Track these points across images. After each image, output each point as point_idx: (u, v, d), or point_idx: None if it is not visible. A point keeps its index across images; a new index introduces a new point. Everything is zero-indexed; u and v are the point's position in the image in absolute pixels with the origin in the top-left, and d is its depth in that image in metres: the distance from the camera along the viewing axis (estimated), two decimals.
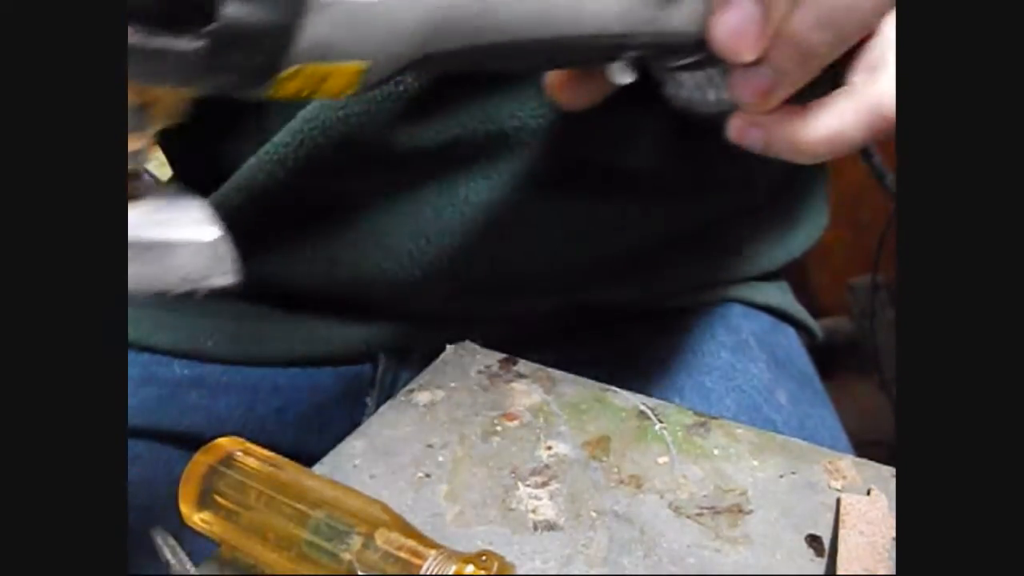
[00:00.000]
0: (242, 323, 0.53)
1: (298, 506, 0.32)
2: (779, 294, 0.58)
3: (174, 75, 0.23)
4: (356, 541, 0.30)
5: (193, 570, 0.33)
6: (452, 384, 0.43)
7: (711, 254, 0.53)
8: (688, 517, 0.35)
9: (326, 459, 0.38)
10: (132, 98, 0.26)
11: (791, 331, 0.59)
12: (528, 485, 0.37)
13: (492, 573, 0.29)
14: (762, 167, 0.54)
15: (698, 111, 0.36)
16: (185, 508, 0.34)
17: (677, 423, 0.40)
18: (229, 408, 0.52)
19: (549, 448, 0.39)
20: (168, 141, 0.54)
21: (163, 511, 0.48)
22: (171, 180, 0.60)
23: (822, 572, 0.33)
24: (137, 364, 0.54)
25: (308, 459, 0.50)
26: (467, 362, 0.44)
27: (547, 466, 0.38)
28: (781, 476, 0.37)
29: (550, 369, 0.44)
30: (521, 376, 0.43)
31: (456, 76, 0.44)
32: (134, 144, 0.28)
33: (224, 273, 0.29)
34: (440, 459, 0.38)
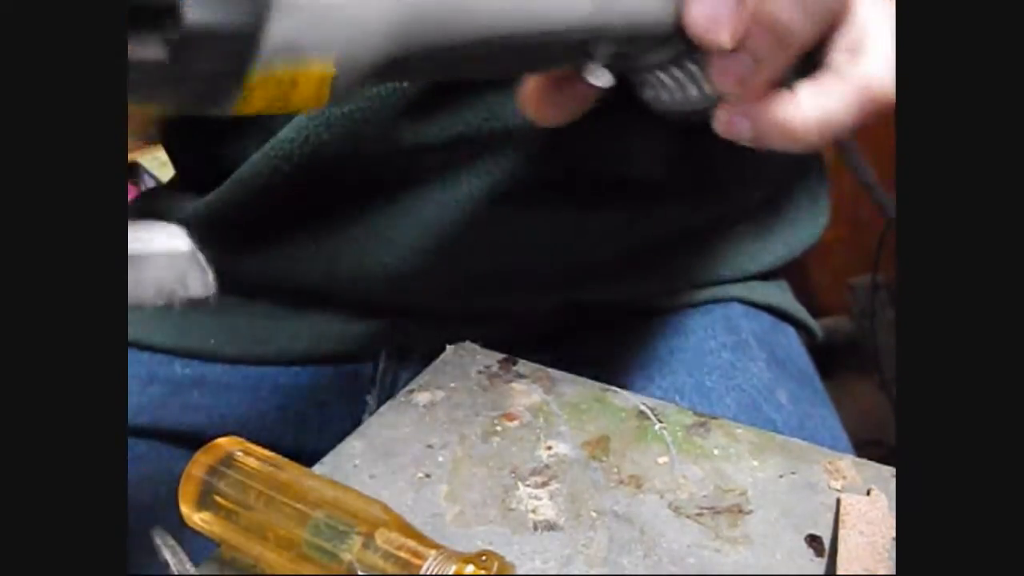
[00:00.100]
0: (243, 322, 0.53)
1: (298, 506, 0.32)
2: (779, 293, 0.58)
3: (138, 88, 0.23)
4: (356, 541, 0.30)
5: (193, 570, 0.33)
6: (452, 384, 0.43)
7: (711, 253, 0.53)
8: (688, 517, 0.35)
9: (326, 459, 0.38)
10: None
11: (791, 330, 0.59)
12: (528, 485, 0.37)
13: (492, 573, 0.29)
14: (762, 167, 0.54)
15: (679, 111, 0.35)
16: (185, 508, 0.34)
17: (677, 423, 0.40)
18: (230, 407, 0.52)
19: (549, 448, 0.39)
20: (170, 139, 0.54)
21: (163, 511, 0.48)
22: (173, 179, 0.60)
23: (822, 572, 0.33)
24: (138, 363, 0.54)
25: (309, 458, 0.50)
26: (467, 362, 0.44)
27: (547, 466, 0.38)
28: (781, 476, 0.37)
29: (550, 369, 0.44)
30: (521, 376, 0.43)
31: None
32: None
33: (199, 284, 0.28)
34: (440, 459, 0.38)
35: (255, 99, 0.23)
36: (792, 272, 0.62)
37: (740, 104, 0.32)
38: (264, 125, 0.47)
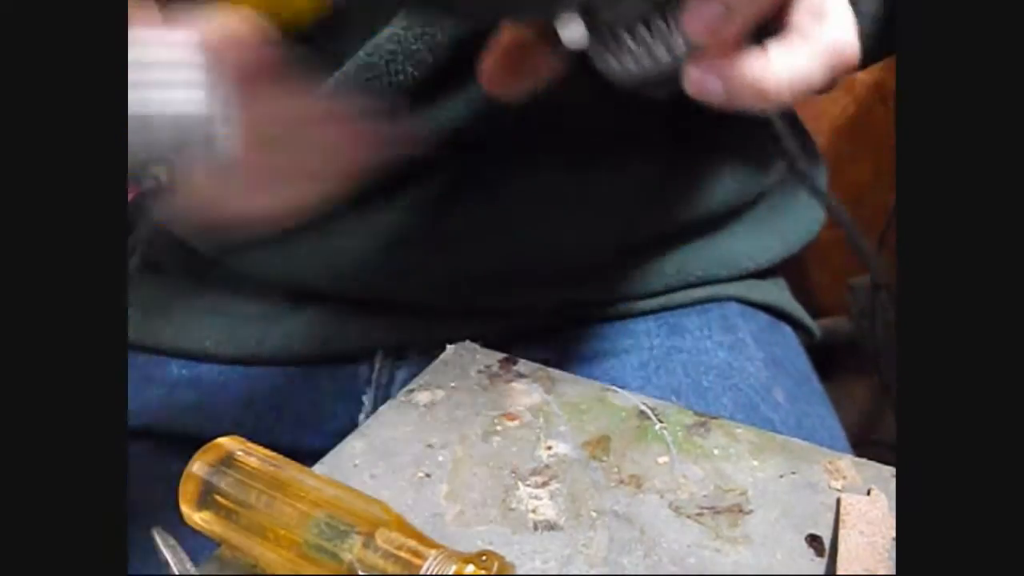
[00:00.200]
0: (238, 323, 0.53)
1: (299, 506, 0.32)
2: (776, 292, 0.58)
3: None
4: (356, 541, 0.30)
5: (193, 570, 0.33)
6: (452, 384, 0.43)
7: (707, 250, 0.53)
8: (688, 517, 0.35)
9: (326, 459, 0.38)
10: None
11: (788, 330, 0.59)
12: (528, 485, 0.37)
13: (492, 573, 0.29)
14: (758, 159, 0.54)
15: (641, 79, 0.35)
16: (186, 508, 0.34)
17: (677, 423, 0.40)
18: (227, 407, 0.52)
19: (549, 448, 0.39)
20: None
21: (159, 512, 0.48)
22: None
23: (822, 572, 0.33)
24: (135, 365, 0.54)
25: (305, 458, 0.50)
26: (467, 362, 0.44)
27: (547, 466, 0.38)
28: (781, 476, 0.37)
29: (550, 369, 0.44)
30: (521, 376, 0.43)
31: (446, 69, 0.45)
32: None
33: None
34: (440, 459, 0.38)
35: None
36: (791, 272, 0.62)
37: (711, 61, 0.32)
38: None
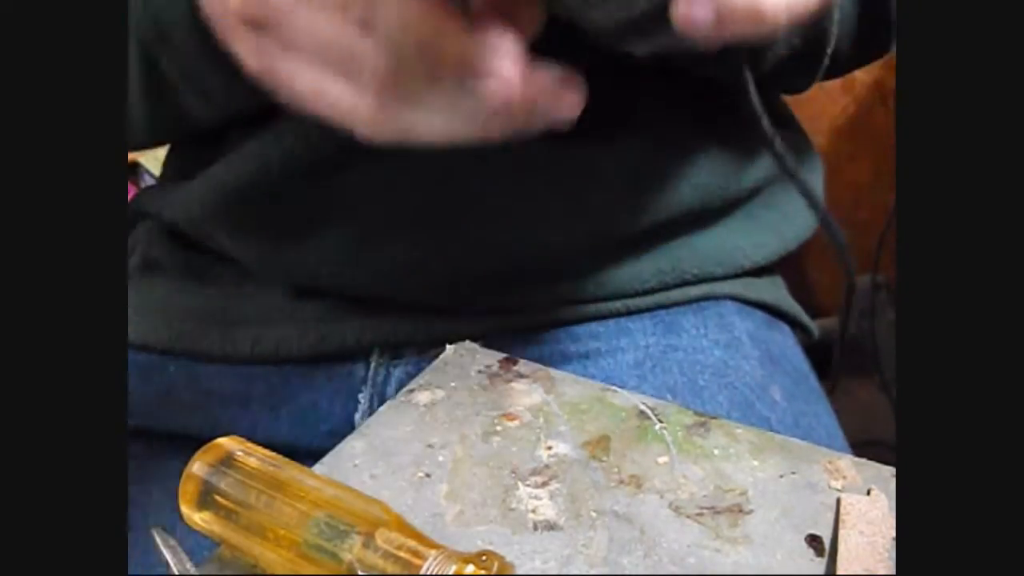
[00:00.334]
0: (236, 323, 0.53)
1: (299, 506, 0.32)
2: (773, 291, 0.58)
3: None
4: (356, 541, 0.30)
5: (193, 570, 0.33)
6: (452, 384, 0.43)
7: (703, 247, 0.53)
8: (688, 517, 0.35)
9: (326, 459, 0.38)
10: None
11: (786, 328, 0.59)
12: (528, 485, 0.37)
13: (492, 573, 0.29)
14: (748, 151, 0.54)
15: (624, 25, 0.34)
16: (185, 508, 0.34)
17: (677, 423, 0.40)
18: (223, 406, 0.52)
19: (549, 448, 0.39)
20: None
21: (157, 512, 0.48)
22: (164, 171, 0.60)
23: (822, 572, 0.33)
24: (133, 364, 0.54)
25: (303, 455, 0.50)
26: (467, 362, 0.44)
27: (547, 466, 0.38)
28: (781, 476, 0.37)
29: (550, 369, 0.44)
30: (521, 376, 0.43)
31: None
32: None
33: None
34: (440, 459, 0.38)
35: None
36: (790, 272, 0.62)
37: None
38: (264, 115, 0.47)
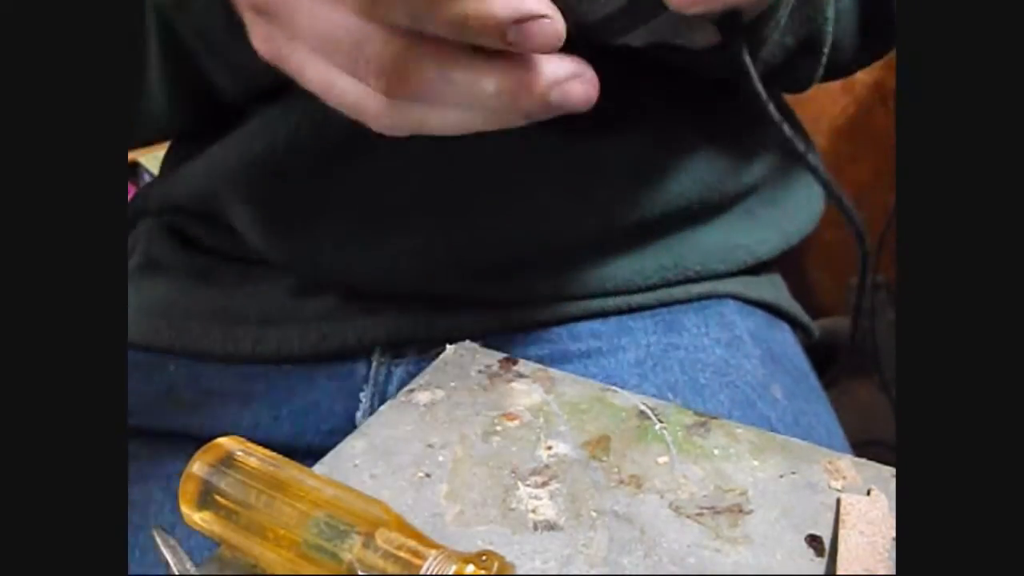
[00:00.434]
0: (237, 323, 0.53)
1: (299, 506, 0.32)
2: (774, 290, 0.58)
3: None
4: (356, 541, 0.30)
5: (193, 570, 0.33)
6: (452, 384, 0.43)
7: (705, 240, 0.53)
8: (688, 517, 0.35)
9: (326, 459, 0.38)
10: None
11: (786, 327, 0.59)
12: (528, 485, 0.37)
13: (492, 573, 0.29)
14: (748, 146, 0.54)
15: (615, 8, 0.34)
16: (185, 508, 0.34)
17: (677, 423, 0.40)
18: (224, 406, 0.52)
19: (549, 448, 0.39)
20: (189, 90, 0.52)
21: (158, 511, 0.49)
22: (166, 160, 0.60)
23: (822, 572, 0.33)
24: (134, 364, 0.54)
25: (304, 454, 0.50)
26: (467, 362, 0.44)
27: (547, 466, 0.38)
28: (781, 476, 0.37)
29: (550, 369, 0.44)
30: (521, 376, 0.43)
31: None
32: None
33: None
34: (440, 459, 0.38)
35: None
36: (791, 272, 0.62)
37: None
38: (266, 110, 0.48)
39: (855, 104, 1.25)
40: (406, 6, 0.31)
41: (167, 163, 0.60)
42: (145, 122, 0.51)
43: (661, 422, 0.40)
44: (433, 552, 0.30)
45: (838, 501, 0.35)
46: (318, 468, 0.38)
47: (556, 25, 0.31)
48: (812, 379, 0.58)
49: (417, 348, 0.51)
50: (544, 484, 0.37)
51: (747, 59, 0.37)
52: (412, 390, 0.42)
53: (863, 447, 0.50)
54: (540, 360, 0.50)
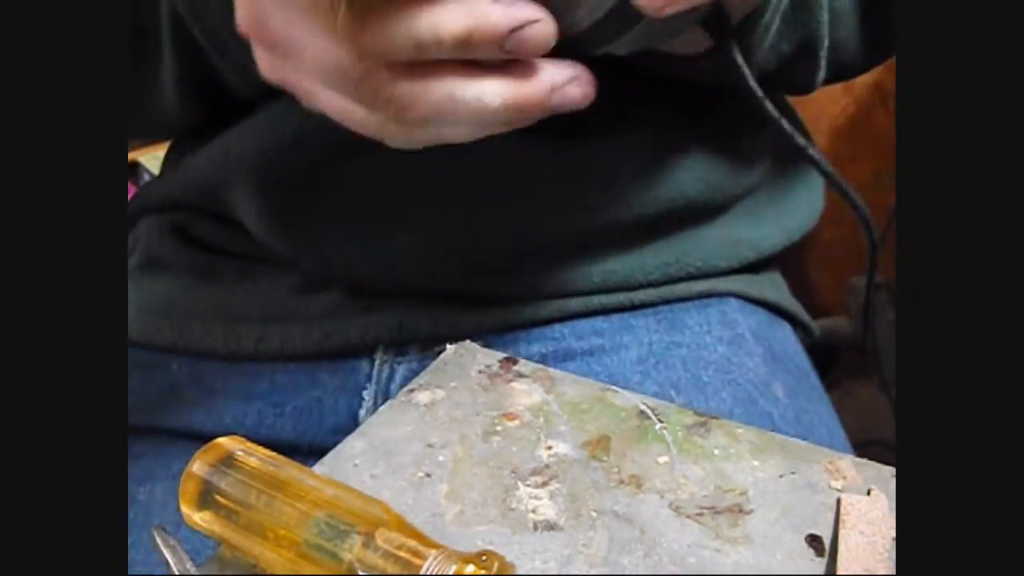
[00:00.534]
0: (239, 321, 0.53)
1: (299, 506, 0.32)
2: (775, 289, 0.58)
3: None
4: (356, 541, 0.30)
5: (193, 570, 0.33)
6: (452, 384, 0.43)
7: (707, 237, 0.53)
8: (688, 517, 0.35)
9: (326, 459, 0.38)
10: None
11: (787, 326, 0.59)
12: (528, 485, 0.37)
13: (492, 573, 0.29)
14: (753, 147, 0.54)
15: (590, 24, 0.34)
16: (186, 508, 0.34)
17: (677, 423, 0.40)
18: (227, 404, 0.52)
19: (549, 448, 0.39)
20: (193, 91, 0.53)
21: (161, 510, 0.49)
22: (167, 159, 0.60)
23: (822, 572, 0.33)
24: (137, 363, 0.54)
25: (306, 453, 0.50)
26: (467, 362, 0.44)
27: (547, 466, 0.38)
28: (781, 476, 0.37)
29: (550, 369, 0.44)
30: (521, 376, 0.43)
31: None
32: None
33: None
34: (440, 459, 0.38)
35: None
36: (791, 272, 0.62)
37: None
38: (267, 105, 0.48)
39: (855, 104, 1.25)
40: (408, 40, 0.32)
41: (168, 162, 0.60)
42: (156, 117, 0.51)
43: (661, 422, 0.40)
44: (433, 552, 0.30)
45: (838, 501, 0.35)
46: (318, 468, 0.38)
47: (548, 27, 0.33)
48: (813, 378, 0.58)
49: (420, 346, 0.51)
50: (544, 484, 0.37)
51: (739, 58, 0.38)
52: (412, 390, 0.42)
53: (863, 447, 0.50)
54: (543, 357, 0.50)
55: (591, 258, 0.51)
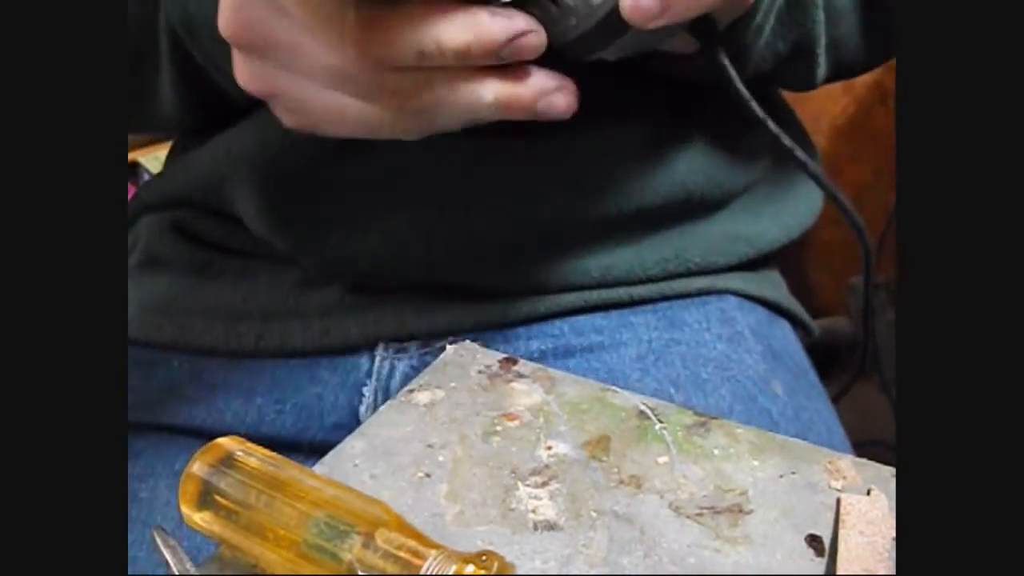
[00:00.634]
0: (240, 319, 0.53)
1: (298, 506, 0.32)
2: (774, 288, 0.58)
3: None
4: (356, 541, 0.30)
5: (193, 570, 0.33)
6: (452, 384, 0.43)
7: (706, 233, 0.53)
8: (688, 517, 0.35)
9: (326, 459, 0.38)
10: None
11: (787, 325, 0.59)
12: (528, 485, 0.37)
13: (492, 573, 0.29)
14: (752, 144, 0.54)
15: (588, 27, 0.36)
16: (185, 508, 0.34)
17: (677, 423, 0.40)
18: (228, 401, 0.52)
19: (549, 448, 0.39)
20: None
21: (164, 507, 0.49)
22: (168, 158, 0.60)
23: (822, 572, 0.33)
24: (138, 360, 0.54)
25: (307, 450, 0.50)
26: (467, 362, 0.44)
27: (547, 466, 0.38)
28: (781, 476, 0.37)
29: (550, 369, 0.44)
30: (521, 376, 0.43)
31: None
32: None
33: None
34: (440, 459, 0.38)
35: None
36: (791, 272, 0.62)
37: None
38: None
39: (855, 104, 1.25)
40: (412, 51, 0.34)
41: (171, 159, 0.60)
42: (155, 121, 0.52)
43: (661, 422, 0.40)
44: (433, 552, 0.30)
45: (838, 501, 0.35)
46: (318, 468, 0.38)
47: (540, 37, 0.35)
48: (812, 376, 0.58)
49: (420, 343, 0.51)
50: (544, 484, 0.37)
51: (726, 62, 0.39)
52: (412, 390, 0.42)
53: (863, 447, 0.50)
54: (543, 354, 0.50)
55: (590, 251, 0.51)
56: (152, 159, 1.23)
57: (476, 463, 0.38)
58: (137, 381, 0.54)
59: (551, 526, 0.35)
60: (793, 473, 0.37)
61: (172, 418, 0.52)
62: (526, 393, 0.42)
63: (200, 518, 0.34)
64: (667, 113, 0.51)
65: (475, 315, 0.50)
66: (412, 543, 0.30)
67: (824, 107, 1.26)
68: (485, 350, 0.45)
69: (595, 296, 0.51)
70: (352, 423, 0.50)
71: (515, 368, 0.44)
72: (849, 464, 0.37)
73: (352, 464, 0.38)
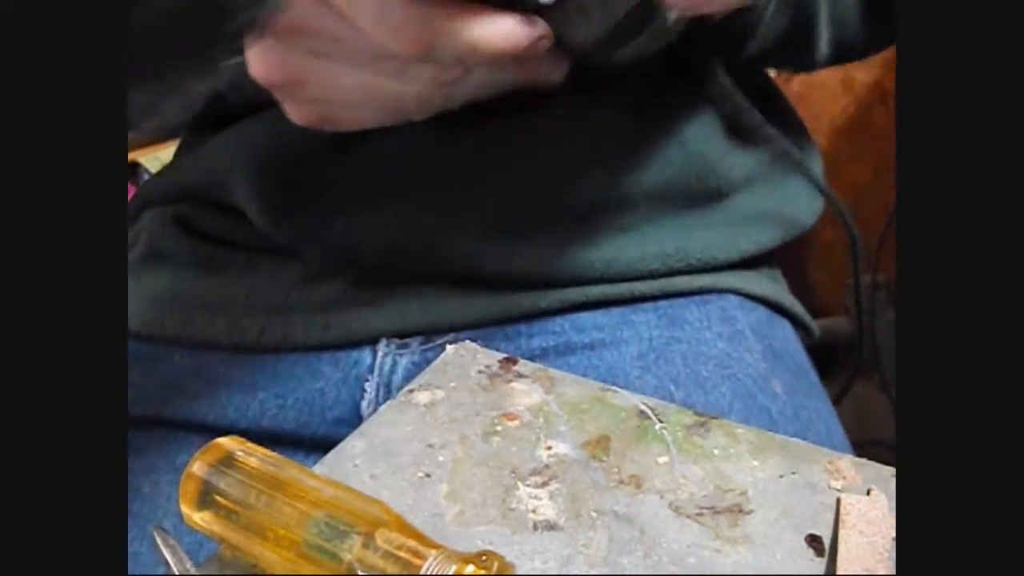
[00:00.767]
0: (242, 313, 0.53)
1: (298, 506, 0.32)
2: (775, 288, 0.58)
3: None
4: (356, 541, 0.30)
5: (193, 570, 0.33)
6: (452, 384, 0.43)
7: (707, 228, 0.53)
8: (688, 517, 0.35)
9: (326, 459, 0.38)
10: None
11: (787, 324, 0.59)
12: (528, 485, 0.37)
13: (492, 573, 0.29)
14: (751, 140, 0.54)
15: (604, 34, 0.37)
16: (185, 508, 0.34)
17: (677, 423, 0.40)
18: (230, 395, 0.52)
19: (549, 448, 0.39)
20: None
21: (165, 501, 0.49)
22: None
23: (822, 572, 0.33)
24: (139, 354, 0.54)
25: (309, 444, 0.50)
26: (467, 362, 0.44)
27: (547, 466, 0.38)
28: (781, 476, 0.37)
29: (550, 369, 0.44)
30: (521, 376, 0.43)
31: None
32: None
33: None
34: (440, 459, 0.38)
35: None
36: (791, 272, 0.62)
37: None
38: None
39: (855, 104, 1.25)
40: (449, 54, 0.37)
41: (178, 154, 0.60)
42: (158, 125, 0.52)
43: (661, 422, 0.40)
44: (433, 552, 0.30)
45: (838, 501, 0.35)
46: (318, 468, 0.38)
47: (549, 41, 0.38)
48: (812, 375, 0.58)
49: (422, 338, 0.51)
50: (544, 484, 0.37)
51: (718, 69, 0.40)
52: (412, 390, 0.42)
53: (863, 447, 0.50)
54: (544, 351, 0.50)
55: (593, 242, 0.51)
56: (152, 159, 1.23)
57: (476, 463, 0.38)
58: (139, 376, 0.54)
59: (551, 526, 0.35)
60: (793, 473, 0.37)
61: (174, 413, 0.52)
62: (526, 393, 0.42)
63: (200, 518, 0.34)
64: (669, 97, 0.51)
65: (477, 310, 0.50)
66: (412, 543, 0.30)
67: (824, 107, 1.26)
68: (485, 350, 0.45)
69: (597, 291, 0.51)
70: (354, 418, 0.50)
71: (515, 368, 0.44)
72: (849, 464, 0.37)
73: (352, 464, 0.38)
